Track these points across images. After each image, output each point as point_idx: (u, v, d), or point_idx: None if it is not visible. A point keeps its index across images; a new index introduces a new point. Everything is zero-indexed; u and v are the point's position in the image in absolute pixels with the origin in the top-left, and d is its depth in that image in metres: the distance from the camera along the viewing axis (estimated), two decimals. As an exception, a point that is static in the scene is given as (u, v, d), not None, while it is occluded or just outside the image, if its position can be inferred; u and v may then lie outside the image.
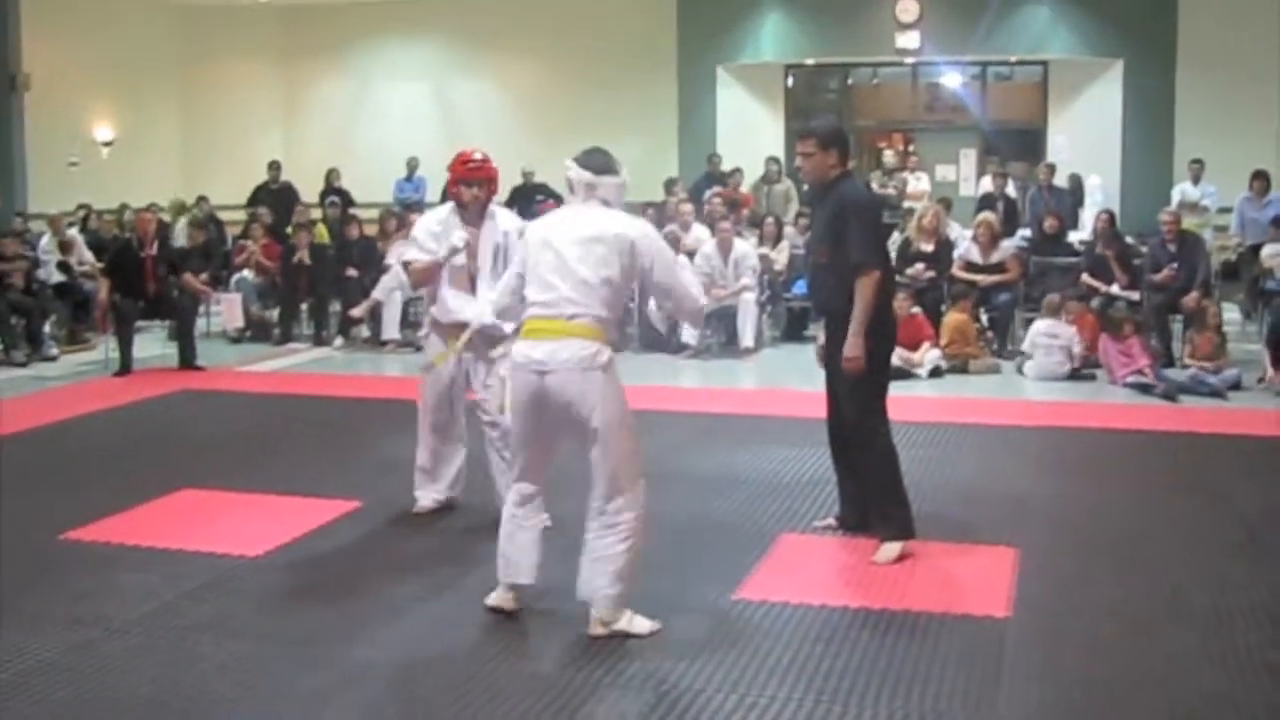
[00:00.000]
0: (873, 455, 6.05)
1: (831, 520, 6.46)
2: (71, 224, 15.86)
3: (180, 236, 15.75)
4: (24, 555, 6.10)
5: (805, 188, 16.88)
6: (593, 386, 4.88)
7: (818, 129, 6.09)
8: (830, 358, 6.16)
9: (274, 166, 18.30)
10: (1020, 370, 11.13)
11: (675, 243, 12.97)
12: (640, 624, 5.01)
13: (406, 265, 6.64)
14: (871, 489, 6.12)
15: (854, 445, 6.13)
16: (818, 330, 6.94)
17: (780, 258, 13.26)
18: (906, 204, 15.71)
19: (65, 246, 13.95)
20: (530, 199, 16.20)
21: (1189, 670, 4.70)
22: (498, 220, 6.51)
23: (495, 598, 5.26)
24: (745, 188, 16.73)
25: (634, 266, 5.00)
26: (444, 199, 7.00)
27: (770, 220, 13.92)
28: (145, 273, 11.61)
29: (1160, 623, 5.16)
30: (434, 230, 6.48)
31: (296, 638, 5.02)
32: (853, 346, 5.85)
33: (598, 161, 5.14)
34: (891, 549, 5.94)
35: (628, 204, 5.29)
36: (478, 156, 6.48)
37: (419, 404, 6.78)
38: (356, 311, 11.29)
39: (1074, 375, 10.80)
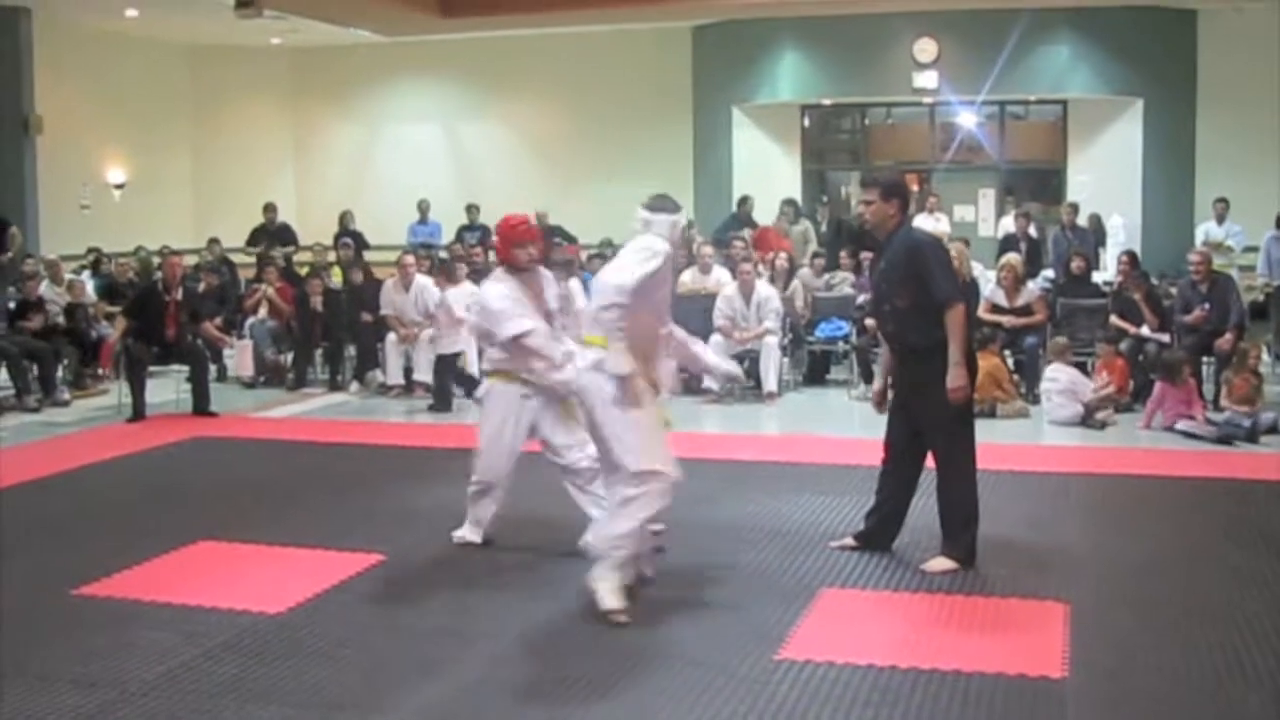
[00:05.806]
0: (959, 484, 6.34)
1: (849, 540, 6.71)
2: (83, 267, 15.72)
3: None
4: (33, 612, 5.86)
5: (824, 229, 16.82)
6: None
7: (882, 180, 6.51)
8: (911, 394, 6.42)
9: (269, 209, 18.05)
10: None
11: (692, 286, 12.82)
12: None
13: (520, 336, 6.54)
14: (950, 512, 6.38)
15: (941, 473, 6.39)
16: (877, 377, 7.26)
17: (797, 300, 13.02)
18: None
19: (71, 290, 13.79)
20: (547, 242, 15.98)
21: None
22: (544, 272, 6.87)
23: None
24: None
25: None
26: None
27: (783, 257, 13.67)
28: (167, 317, 11.50)
29: (1225, 685, 4.90)
30: (512, 297, 6.65)
31: (322, 701, 4.79)
32: (957, 377, 6.13)
33: (652, 202, 5.90)
34: (945, 562, 6.31)
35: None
36: (523, 217, 6.81)
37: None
38: None
39: (1085, 422, 10.49)
